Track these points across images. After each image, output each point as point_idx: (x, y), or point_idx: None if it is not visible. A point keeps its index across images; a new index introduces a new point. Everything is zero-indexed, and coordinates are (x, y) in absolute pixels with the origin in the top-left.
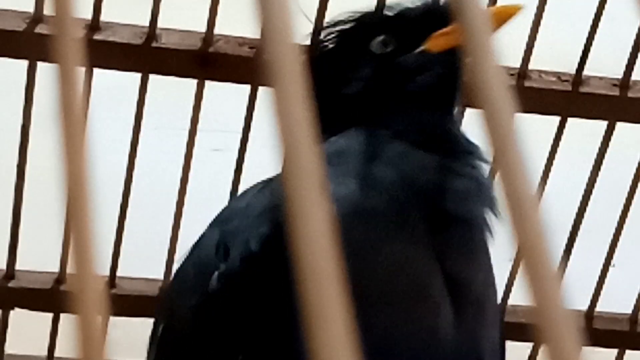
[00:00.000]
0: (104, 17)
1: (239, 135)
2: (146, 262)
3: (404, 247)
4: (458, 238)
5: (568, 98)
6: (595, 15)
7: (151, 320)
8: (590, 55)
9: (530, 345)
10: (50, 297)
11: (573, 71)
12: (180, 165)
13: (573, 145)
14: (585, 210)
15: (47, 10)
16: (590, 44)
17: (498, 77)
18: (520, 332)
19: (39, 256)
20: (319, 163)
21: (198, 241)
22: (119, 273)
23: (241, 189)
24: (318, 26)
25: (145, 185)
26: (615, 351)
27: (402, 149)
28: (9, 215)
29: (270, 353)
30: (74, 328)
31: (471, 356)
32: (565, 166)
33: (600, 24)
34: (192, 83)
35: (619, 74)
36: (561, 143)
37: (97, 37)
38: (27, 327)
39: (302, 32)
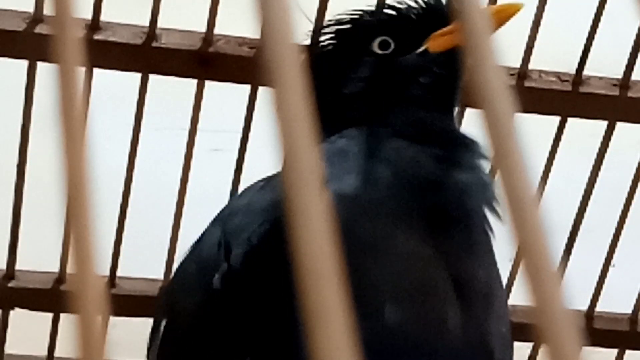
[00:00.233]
0: (104, 17)
1: (239, 135)
2: (146, 262)
3: (407, 243)
4: (460, 234)
5: (568, 98)
6: (595, 15)
7: (151, 320)
8: (590, 55)
9: (530, 345)
10: (50, 297)
11: (573, 71)
12: (180, 165)
13: (573, 145)
14: (585, 210)
15: (47, 10)
16: (590, 44)
17: (498, 77)
18: (520, 332)
19: (39, 256)
20: (318, 163)
21: (199, 239)
22: (119, 273)
23: (241, 188)
24: (318, 26)
25: (145, 185)
26: (615, 351)
27: (402, 147)
28: (9, 215)
29: (277, 352)
30: (74, 328)
31: (481, 351)
32: (565, 166)
33: (600, 24)
34: (192, 83)
35: (619, 74)
36: (561, 143)
37: (97, 37)
38: (27, 327)
39: (302, 32)
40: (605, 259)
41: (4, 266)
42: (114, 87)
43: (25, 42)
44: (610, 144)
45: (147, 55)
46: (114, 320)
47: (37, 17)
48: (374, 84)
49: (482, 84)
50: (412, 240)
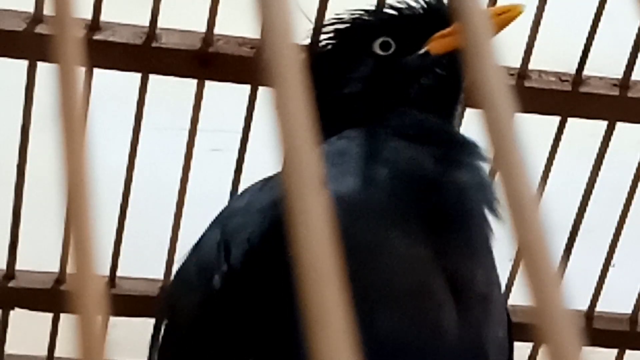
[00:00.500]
0: (104, 17)
1: (239, 135)
2: (146, 262)
3: (404, 245)
4: (459, 236)
5: (568, 98)
6: (595, 15)
7: (151, 320)
8: (590, 55)
9: (530, 345)
10: (50, 297)
11: (573, 71)
12: (180, 165)
13: (573, 145)
14: (585, 210)
15: (47, 10)
16: (590, 44)
17: (498, 77)
18: (520, 332)
19: (39, 256)
20: (319, 163)
21: (199, 241)
22: (119, 273)
23: (241, 189)
24: (318, 26)
25: (145, 185)
26: (615, 351)
27: (402, 149)
28: (9, 215)
29: (279, 352)
30: (74, 328)
31: (476, 354)
32: (565, 166)
33: (600, 24)
34: (192, 83)
35: (619, 74)
36: (561, 143)
37: (97, 37)
38: (27, 327)
39: (302, 32)
40: (605, 259)
41: (4, 266)
42: (114, 87)
43: (25, 42)
44: (610, 144)
45: (147, 55)
46: (114, 320)
47: (37, 17)
48: (374, 85)
49: (482, 84)
50: (409, 243)
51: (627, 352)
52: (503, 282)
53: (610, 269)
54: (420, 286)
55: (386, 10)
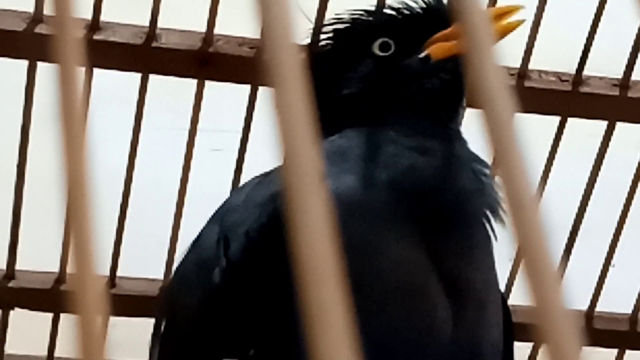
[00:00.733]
0: (104, 17)
1: (239, 135)
2: (146, 262)
3: (400, 246)
4: (457, 238)
5: (568, 98)
6: (595, 15)
7: (151, 320)
8: (590, 55)
9: (530, 345)
10: (50, 297)
11: (573, 71)
12: (180, 165)
13: (573, 145)
14: (585, 210)
15: (47, 10)
16: (590, 44)
17: (498, 77)
18: (520, 332)
19: (39, 256)
20: (318, 163)
21: (197, 238)
22: (119, 273)
23: None
24: (318, 26)
25: (145, 185)
26: (615, 351)
27: (401, 150)
28: (9, 215)
29: (280, 344)
30: (74, 328)
31: (470, 356)
32: (565, 166)
33: (600, 24)
34: (192, 83)
35: (619, 74)
36: (561, 143)
37: (97, 37)
38: (27, 327)
39: (302, 32)
40: (605, 259)
41: (4, 266)
42: (114, 87)
43: (25, 42)
44: (610, 144)
45: (147, 55)
46: (114, 320)
47: (37, 17)
48: (373, 86)
49: (482, 84)
50: (405, 244)
51: (627, 352)
52: (503, 282)
53: (610, 269)
54: (414, 287)
55: (386, 10)
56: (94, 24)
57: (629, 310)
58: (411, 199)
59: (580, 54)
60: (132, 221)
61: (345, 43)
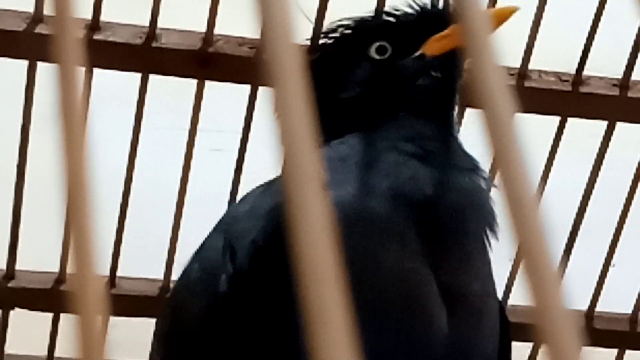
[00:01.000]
0: (104, 17)
1: (239, 135)
2: (146, 262)
3: (398, 256)
4: (453, 248)
5: (568, 98)
6: (595, 15)
7: (151, 321)
8: (590, 55)
9: (530, 345)
10: (50, 297)
11: (573, 71)
12: (180, 165)
13: (573, 145)
14: (585, 210)
15: (47, 10)
16: (590, 44)
17: (498, 77)
18: (520, 332)
19: (39, 256)
20: (319, 163)
21: (201, 247)
22: (119, 273)
23: (241, 189)
24: (318, 26)
25: (145, 185)
26: (615, 351)
27: (402, 157)
28: (9, 215)
29: (286, 353)
30: (74, 328)
31: None
32: (565, 166)
33: (600, 24)
34: (192, 83)
35: (619, 74)
36: (561, 143)
37: (97, 37)
38: (27, 327)
39: (302, 32)
40: (605, 259)
41: (4, 266)
42: (114, 87)
43: (25, 42)
44: (610, 144)
45: (147, 55)
46: (114, 320)
47: (37, 17)
48: (372, 89)
49: (482, 84)
50: (403, 254)
51: (627, 352)
52: (503, 282)
53: (610, 269)
54: (411, 297)
55: (383, 15)
56: (94, 24)
57: (629, 310)
58: (410, 209)
59: (580, 54)
60: (132, 221)
61: (342, 48)
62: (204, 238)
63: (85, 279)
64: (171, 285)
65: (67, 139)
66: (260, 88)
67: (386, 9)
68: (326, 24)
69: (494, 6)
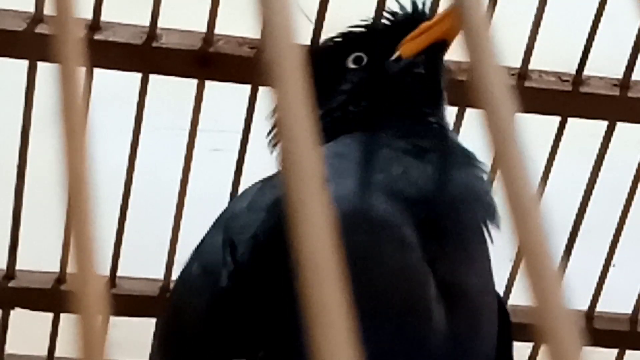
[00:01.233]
0: (104, 17)
1: (239, 135)
2: (146, 262)
3: (396, 253)
4: (452, 245)
5: (568, 98)
6: (595, 15)
7: (151, 320)
8: (590, 55)
9: (530, 345)
10: (50, 297)
11: (573, 71)
12: (180, 166)
13: (573, 145)
14: (585, 210)
15: (47, 10)
16: (590, 44)
17: (498, 77)
18: (520, 332)
19: (39, 256)
20: (319, 162)
21: (200, 244)
22: (119, 273)
23: (241, 189)
24: (318, 26)
25: (145, 186)
26: (615, 351)
27: (397, 155)
28: (9, 215)
29: (289, 346)
30: (74, 328)
31: None
32: (565, 166)
33: (600, 24)
34: (192, 83)
35: (619, 74)
36: (561, 143)
37: (97, 37)
38: (27, 327)
39: (302, 32)
40: (605, 259)
41: (4, 266)
42: (114, 87)
43: (25, 42)
44: (610, 144)
45: (147, 55)
46: (114, 320)
47: (37, 17)
48: (356, 96)
49: (482, 84)
50: (401, 251)
51: (627, 352)
52: (503, 282)
53: (610, 269)
54: (410, 294)
55: (353, 28)
56: (94, 24)
57: (629, 310)
58: (408, 205)
59: (580, 54)
60: (132, 221)
61: (321, 64)
62: (203, 235)
63: (85, 279)
64: (171, 285)
65: (67, 139)
66: (260, 88)
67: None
68: (326, 25)
69: (494, 6)
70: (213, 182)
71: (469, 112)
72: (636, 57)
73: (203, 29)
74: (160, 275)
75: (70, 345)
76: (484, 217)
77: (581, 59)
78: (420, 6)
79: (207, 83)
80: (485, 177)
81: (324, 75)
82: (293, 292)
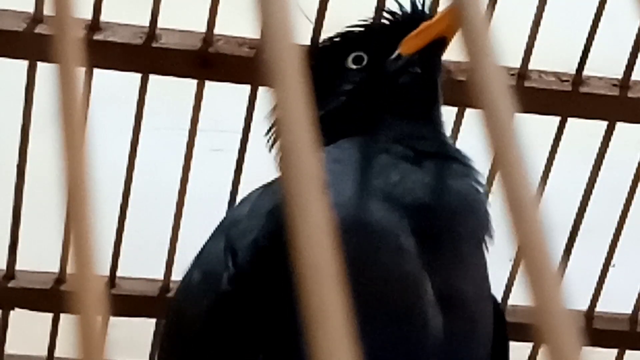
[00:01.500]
0: (104, 17)
1: (239, 135)
2: (146, 262)
3: (393, 259)
4: (448, 251)
5: (568, 98)
6: (595, 15)
7: (151, 321)
8: (590, 55)
9: (530, 345)
10: (50, 297)
11: (573, 71)
12: (180, 166)
13: (573, 145)
14: (585, 210)
15: (47, 10)
16: (590, 44)
17: (498, 77)
18: (520, 332)
19: (39, 256)
20: (319, 163)
21: (202, 250)
22: (119, 273)
23: (241, 189)
24: (318, 26)
25: (145, 185)
26: (615, 351)
27: (394, 160)
28: (9, 215)
29: (288, 350)
30: (74, 328)
31: None
32: (565, 166)
33: (600, 24)
34: (192, 83)
35: (619, 74)
36: (561, 143)
37: (97, 37)
38: (27, 327)
39: (302, 32)
40: (605, 259)
41: (4, 266)
42: (114, 87)
43: (25, 42)
44: (610, 144)
45: (147, 55)
46: (114, 320)
47: (37, 17)
48: (356, 97)
49: (482, 84)
50: (398, 258)
51: (627, 352)
52: (503, 282)
53: (610, 269)
54: (407, 301)
55: (358, 27)
56: (94, 24)
57: (629, 310)
58: (405, 212)
59: (580, 54)
60: (132, 221)
61: (321, 65)
62: (203, 242)
63: (85, 279)
64: (171, 285)
65: (67, 139)
66: (260, 88)
67: (377, 12)
68: (326, 25)
69: (494, 6)
70: (213, 182)
71: (469, 112)
72: (636, 57)
73: (203, 29)
74: (160, 275)
75: (70, 345)
76: (480, 226)
77: (581, 59)
78: (419, 6)
79: (207, 83)
80: (481, 187)
81: (323, 75)
82: (293, 296)
